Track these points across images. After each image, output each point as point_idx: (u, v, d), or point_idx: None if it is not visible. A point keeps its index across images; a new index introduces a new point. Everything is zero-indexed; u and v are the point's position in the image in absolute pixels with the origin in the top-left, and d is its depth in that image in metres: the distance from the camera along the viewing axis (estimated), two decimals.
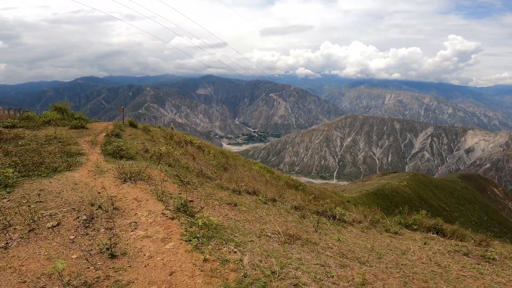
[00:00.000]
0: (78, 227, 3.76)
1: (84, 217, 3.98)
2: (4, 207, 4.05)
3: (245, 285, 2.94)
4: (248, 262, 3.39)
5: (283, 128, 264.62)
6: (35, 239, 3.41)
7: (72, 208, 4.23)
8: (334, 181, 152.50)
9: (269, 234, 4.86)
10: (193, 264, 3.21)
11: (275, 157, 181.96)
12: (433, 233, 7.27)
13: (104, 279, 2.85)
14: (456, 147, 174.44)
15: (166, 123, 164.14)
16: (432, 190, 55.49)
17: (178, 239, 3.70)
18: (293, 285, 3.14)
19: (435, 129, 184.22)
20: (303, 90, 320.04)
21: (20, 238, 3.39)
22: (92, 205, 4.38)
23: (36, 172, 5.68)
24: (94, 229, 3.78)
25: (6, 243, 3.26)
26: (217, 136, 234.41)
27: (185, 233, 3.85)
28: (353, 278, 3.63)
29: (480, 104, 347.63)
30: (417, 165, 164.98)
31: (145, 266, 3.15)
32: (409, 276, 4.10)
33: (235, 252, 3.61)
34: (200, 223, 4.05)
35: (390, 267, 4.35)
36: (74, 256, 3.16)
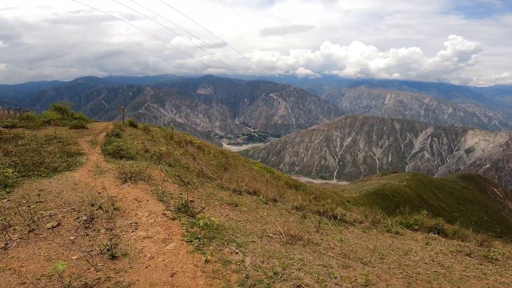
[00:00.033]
0: (78, 228, 3.73)
1: (84, 218, 3.95)
2: (4, 207, 4.02)
3: (248, 287, 2.91)
4: (250, 263, 3.36)
5: (283, 128, 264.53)
6: (35, 239, 3.38)
7: (72, 209, 4.20)
8: (334, 181, 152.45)
9: (271, 234, 4.83)
10: (195, 265, 3.18)
11: (275, 157, 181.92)
12: (434, 234, 7.24)
13: (105, 281, 2.83)
14: (456, 147, 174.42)
15: (166, 123, 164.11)
16: (432, 190, 55.49)
17: (179, 239, 3.67)
18: (296, 286, 3.11)
19: (435, 129, 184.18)
20: (303, 90, 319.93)
21: (19, 238, 3.35)
22: (92, 205, 4.35)
23: (36, 172, 5.65)
24: (95, 230, 3.75)
25: (6, 244, 3.23)
26: (217, 136, 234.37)
27: (186, 233, 3.82)
28: (356, 279, 3.60)
29: (480, 104, 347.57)
30: (417, 165, 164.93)
31: (146, 267, 3.12)
32: (413, 276, 4.08)
33: (236, 253, 3.58)
34: (201, 224, 4.02)
35: (393, 268, 4.32)
36: (74, 257, 3.13)
